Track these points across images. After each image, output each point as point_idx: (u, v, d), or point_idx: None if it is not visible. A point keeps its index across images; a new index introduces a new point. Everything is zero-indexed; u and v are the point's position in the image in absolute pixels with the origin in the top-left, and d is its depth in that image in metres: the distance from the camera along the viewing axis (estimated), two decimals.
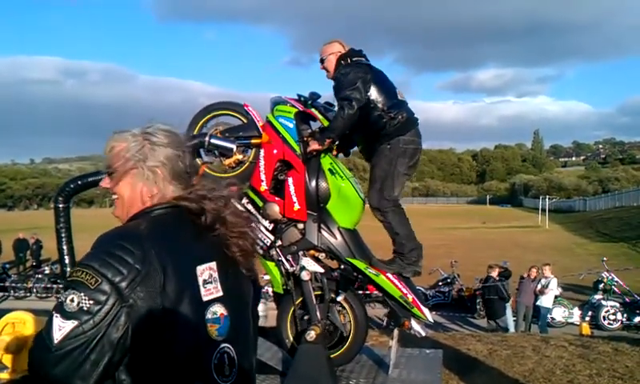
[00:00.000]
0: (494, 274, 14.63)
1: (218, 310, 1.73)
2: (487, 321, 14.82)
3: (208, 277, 1.73)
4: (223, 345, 1.74)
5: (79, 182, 5.09)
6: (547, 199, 54.60)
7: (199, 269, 1.72)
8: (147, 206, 1.80)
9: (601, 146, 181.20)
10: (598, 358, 7.24)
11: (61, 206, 4.86)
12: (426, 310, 5.02)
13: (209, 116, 5.41)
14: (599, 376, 6.57)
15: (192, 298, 1.66)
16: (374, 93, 4.95)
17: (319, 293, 5.09)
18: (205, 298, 1.70)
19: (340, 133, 5.02)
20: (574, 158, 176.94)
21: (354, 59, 5.11)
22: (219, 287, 1.75)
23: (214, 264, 1.76)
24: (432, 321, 5.26)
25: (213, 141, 5.07)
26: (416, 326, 5.06)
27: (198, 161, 5.33)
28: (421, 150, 5.18)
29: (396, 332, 5.38)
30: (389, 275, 4.94)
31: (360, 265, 4.98)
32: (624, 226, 37.83)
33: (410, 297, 4.92)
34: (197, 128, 5.34)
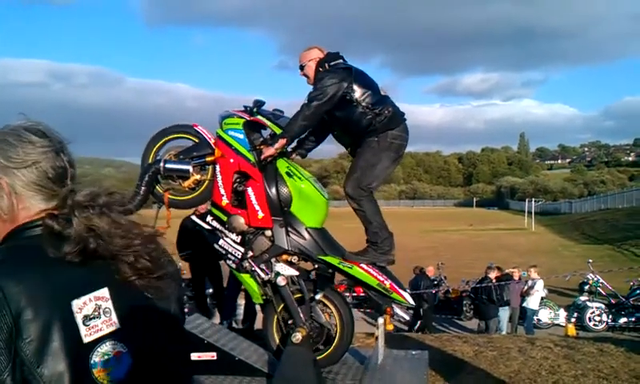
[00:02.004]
0: (492, 275, 14.61)
1: (111, 348, 1.38)
2: (478, 324, 14.78)
3: (92, 310, 1.37)
4: None
5: None
6: (533, 202, 54.74)
7: (76, 303, 1.35)
8: (18, 225, 1.46)
9: (586, 149, 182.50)
10: (583, 359, 7.27)
11: None
12: (405, 294, 5.05)
13: (160, 142, 5.42)
14: (584, 376, 6.60)
15: (65, 341, 1.31)
16: (357, 92, 4.98)
17: (299, 295, 5.12)
18: (87, 339, 1.35)
19: (294, 135, 5.09)
20: (559, 161, 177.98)
21: (332, 64, 5.13)
22: (114, 319, 1.40)
23: (103, 292, 1.40)
24: (413, 303, 5.29)
25: (168, 165, 5.10)
26: (399, 310, 5.11)
27: (159, 189, 5.33)
28: (406, 146, 5.23)
29: (380, 320, 5.40)
30: (363, 266, 4.97)
31: (333, 260, 5.01)
32: (609, 228, 38.09)
33: (388, 283, 4.95)
34: (151, 156, 5.35)
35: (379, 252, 5.05)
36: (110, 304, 1.40)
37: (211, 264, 9.24)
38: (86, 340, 1.34)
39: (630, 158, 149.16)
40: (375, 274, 4.98)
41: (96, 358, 1.35)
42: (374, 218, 5.06)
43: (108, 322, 1.39)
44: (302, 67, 5.31)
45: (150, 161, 5.31)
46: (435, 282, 17.91)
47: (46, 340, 1.29)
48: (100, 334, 1.37)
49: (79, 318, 1.34)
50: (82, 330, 1.34)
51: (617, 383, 6.40)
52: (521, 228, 48.88)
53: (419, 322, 14.16)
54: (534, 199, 58.17)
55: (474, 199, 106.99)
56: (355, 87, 4.98)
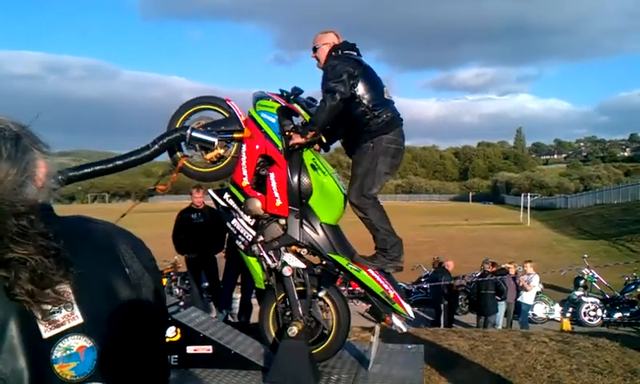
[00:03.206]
0: (491, 269, 14.55)
1: (75, 343, 1.30)
2: (477, 317, 14.71)
3: (50, 306, 1.28)
4: None
5: (70, 175, 5.10)
6: (529, 197, 54.77)
7: None
8: None
9: (582, 144, 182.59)
10: (578, 354, 7.29)
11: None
12: (407, 306, 5.04)
13: (191, 110, 5.39)
14: (579, 371, 6.62)
15: (24, 337, 1.25)
16: (360, 89, 4.95)
17: (301, 288, 5.10)
18: (47, 334, 1.28)
19: (322, 125, 5.02)
20: (555, 156, 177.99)
21: (345, 52, 5.11)
22: (76, 313, 1.31)
23: (63, 286, 1.30)
24: (413, 317, 5.28)
25: (194, 134, 5.07)
26: (397, 321, 5.07)
27: (178, 154, 5.32)
28: (404, 150, 5.21)
29: (377, 327, 5.39)
30: (370, 271, 4.96)
31: (342, 261, 4.99)
32: (605, 224, 38.11)
33: (392, 293, 4.94)
34: (179, 122, 5.33)
35: (388, 258, 5.04)
36: (71, 298, 1.31)
37: (207, 257, 9.23)
38: (45, 335, 1.28)
39: (626, 153, 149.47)
40: (381, 281, 4.97)
41: (57, 353, 1.29)
42: (380, 225, 5.04)
43: (70, 316, 1.31)
44: (314, 49, 5.27)
45: (178, 126, 5.30)
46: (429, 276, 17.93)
47: (3, 336, 1.24)
48: (61, 328, 1.30)
49: (38, 313, 1.27)
50: (41, 324, 1.28)
51: (611, 378, 6.42)
52: (516, 223, 48.90)
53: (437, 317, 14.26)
54: (529, 194, 58.22)
55: (470, 194, 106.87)
56: (360, 83, 4.96)
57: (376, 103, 4.97)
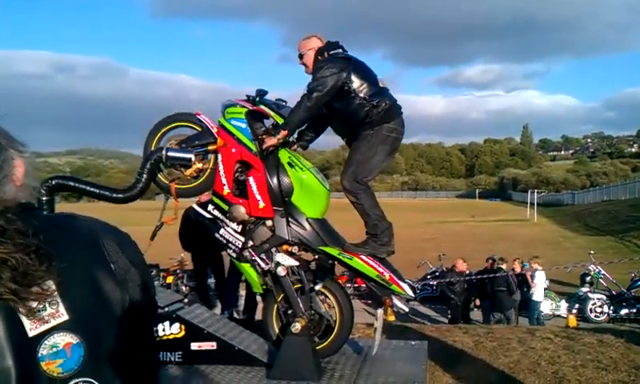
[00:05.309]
0: (504, 266, 14.42)
1: (61, 340, 1.31)
2: (491, 313, 14.60)
3: (36, 304, 1.28)
4: (76, 380, 1.32)
5: (70, 183, 5.24)
6: (536, 193, 54.56)
7: None
8: None
9: (589, 140, 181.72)
10: (582, 350, 7.29)
11: (44, 198, 4.90)
12: (404, 285, 5.06)
13: (163, 130, 5.47)
14: (584, 367, 6.62)
15: (10, 336, 1.25)
16: (355, 82, 4.96)
17: (299, 285, 5.15)
18: (33, 332, 1.28)
19: (295, 126, 5.10)
20: (562, 152, 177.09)
21: (332, 53, 5.12)
22: (61, 311, 1.32)
23: (48, 284, 1.30)
24: (412, 295, 5.33)
25: (170, 154, 5.14)
26: (397, 302, 5.11)
27: (163, 179, 5.38)
28: (401, 139, 5.24)
29: (380, 312, 5.40)
30: (362, 257, 4.99)
31: (333, 251, 5.04)
32: (612, 220, 37.94)
33: (387, 274, 4.97)
34: (153, 144, 5.39)
35: (379, 243, 5.06)
36: (56, 295, 1.31)
37: (213, 255, 9.26)
38: (31, 333, 1.28)
39: (634, 149, 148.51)
40: (375, 265, 5.00)
41: (44, 350, 1.29)
42: (372, 211, 5.07)
43: (55, 314, 1.31)
44: (300, 56, 5.30)
45: (153, 148, 5.35)
46: (437, 274, 17.91)
47: None
48: (46, 326, 1.30)
49: (24, 310, 1.27)
50: (27, 323, 1.28)
51: (616, 374, 6.42)
52: (523, 219, 48.73)
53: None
54: (536, 190, 58.01)
55: (477, 190, 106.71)
56: (353, 77, 4.96)
57: (372, 93, 4.98)
